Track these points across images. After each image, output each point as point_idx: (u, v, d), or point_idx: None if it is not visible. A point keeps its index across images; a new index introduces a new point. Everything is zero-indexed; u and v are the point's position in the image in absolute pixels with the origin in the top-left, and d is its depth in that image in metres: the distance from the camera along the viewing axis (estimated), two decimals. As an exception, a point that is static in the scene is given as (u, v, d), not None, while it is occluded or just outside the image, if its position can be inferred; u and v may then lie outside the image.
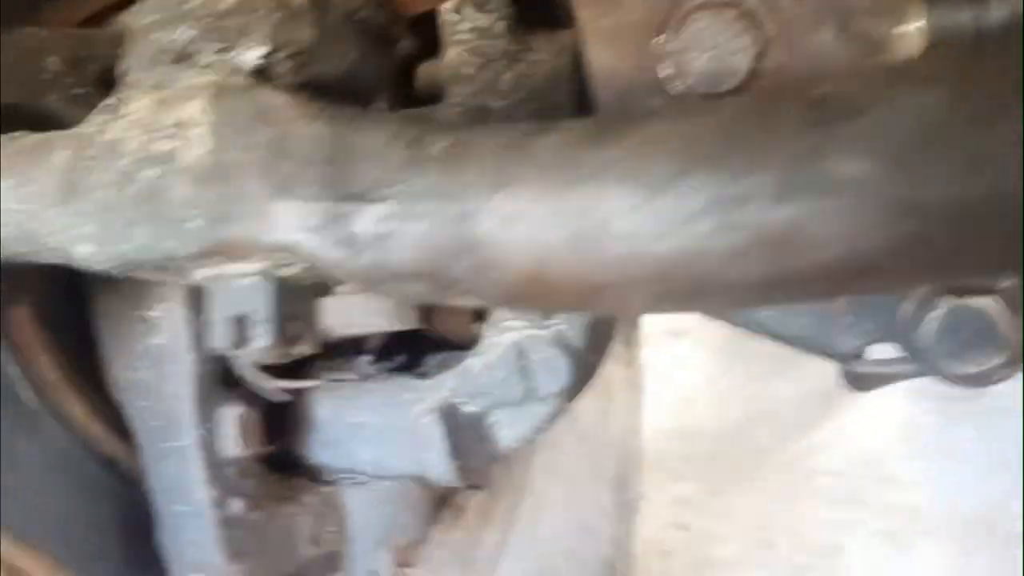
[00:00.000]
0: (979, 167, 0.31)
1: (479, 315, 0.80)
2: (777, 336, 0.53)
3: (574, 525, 1.07)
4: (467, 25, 0.64)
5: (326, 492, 0.73)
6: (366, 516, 0.74)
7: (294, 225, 0.40)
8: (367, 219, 0.39)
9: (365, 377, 0.73)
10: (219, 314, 0.42)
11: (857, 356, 0.54)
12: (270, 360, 0.43)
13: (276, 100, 0.40)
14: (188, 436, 0.64)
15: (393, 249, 0.39)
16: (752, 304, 0.44)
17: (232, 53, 0.42)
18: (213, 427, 0.65)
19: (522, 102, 0.61)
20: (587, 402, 1.14)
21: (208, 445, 0.65)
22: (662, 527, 1.61)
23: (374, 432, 0.70)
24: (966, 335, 0.48)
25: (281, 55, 0.42)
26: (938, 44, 0.43)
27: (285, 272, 0.41)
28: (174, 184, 0.41)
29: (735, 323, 0.54)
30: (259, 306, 0.41)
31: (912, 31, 0.43)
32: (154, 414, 0.65)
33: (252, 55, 0.41)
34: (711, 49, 0.45)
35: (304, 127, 0.40)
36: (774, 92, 0.37)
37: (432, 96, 0.67)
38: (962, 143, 0.32)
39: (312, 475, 0.74)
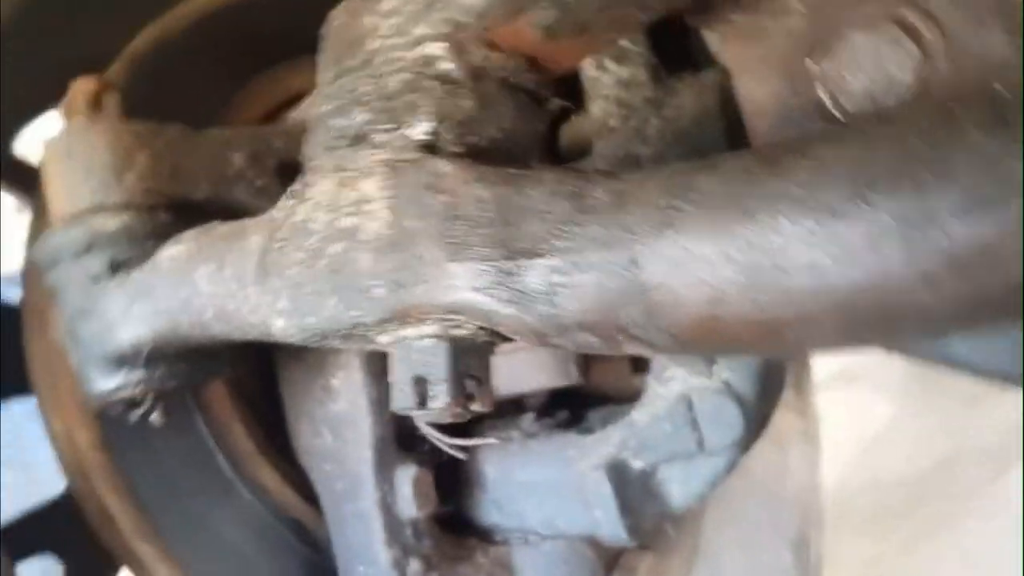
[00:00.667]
0: None
1: (639, 367, 0.79)
2: (973, 369, 0.49)
3: (755, 588, 1.01)
4: (610, 79, 0.66)
5: (498, 552, 0.73)
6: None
7: (469, 285, 0.42)
8: (536, 274, 0.40)
9: (530, 435, 0.73)
10: (400, 376, 0.44)
11: None
12: (449, 419, 0.44)
13: (444, 168, 0.43)
14: (369, 498, 0.67)
15: (563, 302, 0.40)
16: (945, 331, 0.41)
17: (402, 130, 0.44)
18: (391, 489, 0.67)
19: (670, 146, 0.61)
20: (760, 454, 1.09)
21: (387, 507, 0.67)
22: (853, 592, 1.50)
23: (542, 490, 0.70)
24: None
25: (445, 126, 0.44)
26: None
27: (457, 333, 0.43)
28: (358, 257, 0.44)
29: (924, 359, 0.51)
30: (438, 367, 0.43)
31: None
32: (337, 478, 0.69)
33: (420, 129, 0.44)
34: (871, 67, 0.43)
35: (471, 191, 0.43)
36: (943, 102, 0.35)
37: (579, 152, 0.68)
38: None
39: (484, 535, 0.74)
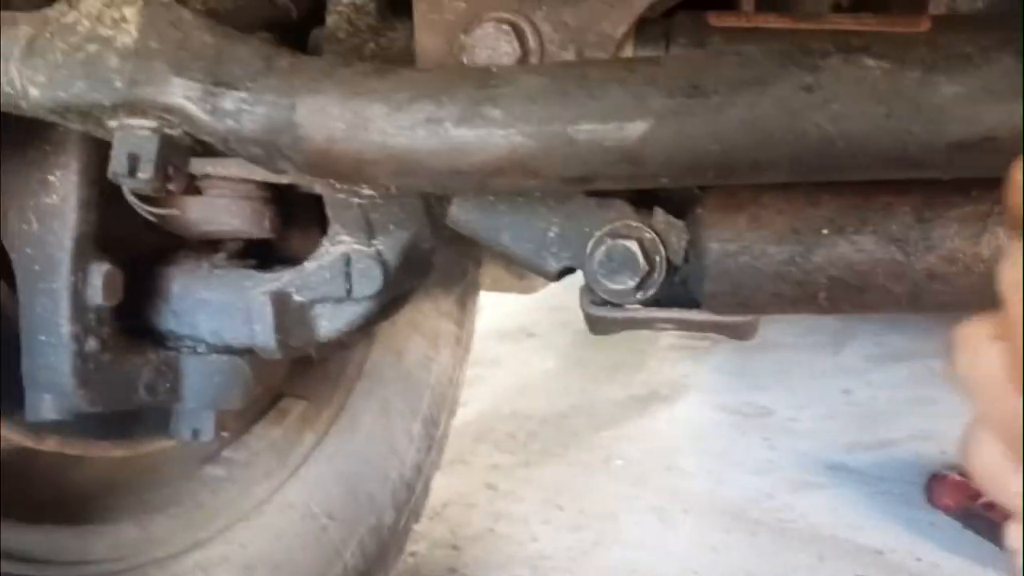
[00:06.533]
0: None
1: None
2: (502, 249, 0.73)
3: (384, 445, 1.24)
4: (347, 0, 0.83)
5: (167, 355, 0.88)
6: (198, 382, 0.90)
7: (183, 94, 0.59)
8: (230, 100, 0.59)
9: (218, 267, 0.89)
10: (119, 151, 0.59)
11: (559, 275, 0.74)
12: (150, 191, 0.60)
13: (186, 16, 0.61)
14: (62, 280, 0.78)
15: (244, 121, 0.59)
16: (450, 188, 0.64)
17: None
18: (84, 277, 0.80)
19: (376, 66, 0.80)
20: (414, 346, 1.33)
21: (77, 292, 0.79)
22: (474, 486, 1.81)
23: (216, 306, 0.86)
24: (616, 264, 0.69)
25: None
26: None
27: (169, 131, 0.60)
28: (109, 56, 0.60)
29: (474, 232, 0.74)
30: (149, 150, 0.59)
31: None
32: (36, 260, 0.79)
33: None
34: (491, 48, 0.66)
35: (200, 35, 0.61)
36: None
37: (318, 52, 0.85)
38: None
39: (159, 339, 0.89)
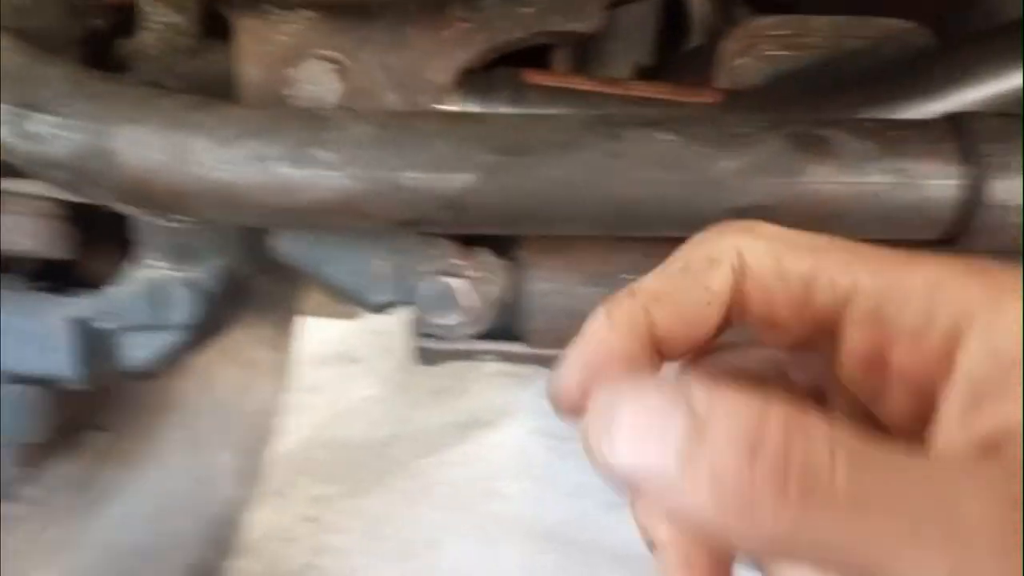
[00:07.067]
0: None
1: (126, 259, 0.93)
2: (323, 280, 0.73)
3: (193, 478, 1.19)
4: (162, 17, 0.80)
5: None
6: (-8, 415, 0.83)
7: None
8: (38, 123, 0.57)
9: (14, 290, 0.83)
10: None
11: (382, 309, 0.76)
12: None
13: None
14: None
15: (53, 146, 0.57)
16: (278, 224, 0.65)
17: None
18: None
19: (191, 88, 0.78)
20: (226, 376, 1.29)
21: None
22: (292, 519, 1.77)
23: (12, 332, 0.80)
24: (442, 301, 0.72)
25: (4, 12, 0.58)
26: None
27: None
28: None
29: (296, 263, 0.74)
30: None
31: None
32: None
33: None
34: (314, 84, 0.67)
35: (12, 58, 0.59)
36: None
37: (123, 67, 0.82)
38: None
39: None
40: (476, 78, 0.73)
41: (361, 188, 0.56)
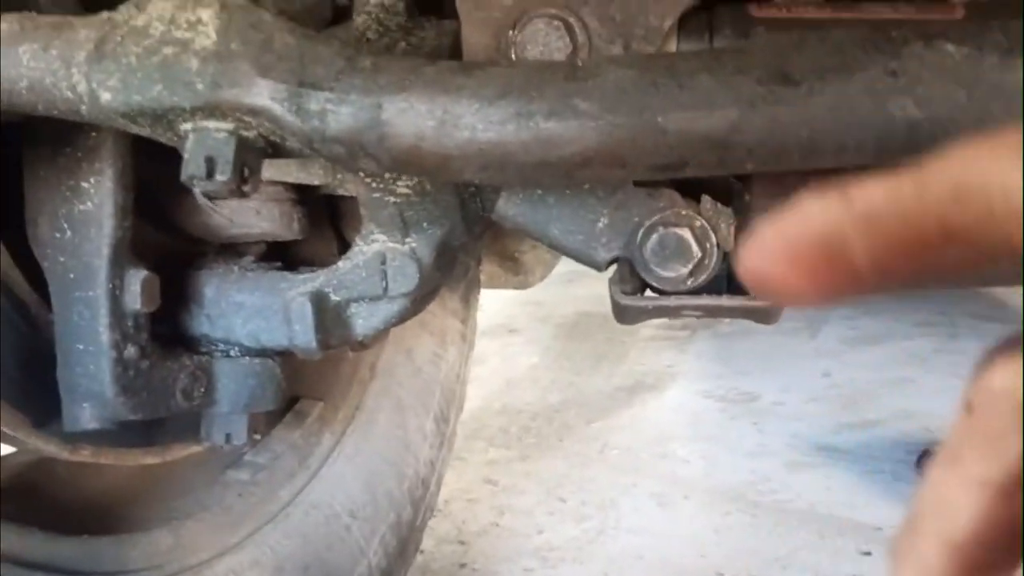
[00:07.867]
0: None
1: (346, 245, 0.98)
2: (550, 241, 0.74)
3: (399, 443, 1.25)
4: (375, 1, 0.83)
5: (201, 359, 0.88)
6: (232, 385, 0.90)
7: (268, 96, 0.59)
8: (315, 100, 0.59)
9: (249, 271, 0.89)
10: (194, 154, 0.59)
11: (608, 265, 0.76)
12: (226, 193, 0.60)
13: (266, 17, 0.60)
14: (100, 288, 0.78)
15: (328, 121, 0.59)
16: (535, 181, 0.66)
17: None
18: (121, 284, 0.79)
19: (411, 64, 0.81)
20: (424, 345, 1.34)
21: (115, 298, 0.79)
22: (472, 482, 1.83)
23: (251, 309, 0.86)
24: (669, 252, 0.71)
25: None
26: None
27: (245, 133, 0.59)
28: (188, 59, 0.60)
29: (522, 226, 0.75)
30: (227, 153, 0.59)
31: None
32: (71, 269, 0.79)
33: None
34: (541, 44, 0.67)
35: (282, 37, 0.61)
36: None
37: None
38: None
39: (192, 344, 0.89)
40: (697, 18, 0.71)
41: (624, 135, 0.56)
